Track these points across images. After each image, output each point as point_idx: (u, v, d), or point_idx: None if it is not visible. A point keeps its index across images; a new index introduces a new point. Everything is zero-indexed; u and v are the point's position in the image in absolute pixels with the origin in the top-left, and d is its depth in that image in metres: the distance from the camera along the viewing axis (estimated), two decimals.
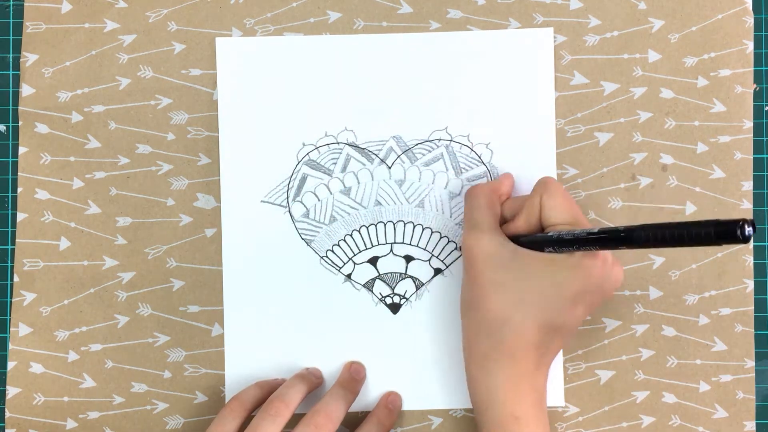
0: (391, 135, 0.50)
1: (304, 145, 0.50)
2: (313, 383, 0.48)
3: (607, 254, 0.42)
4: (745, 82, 0.50)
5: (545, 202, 0.44)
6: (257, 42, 0.50)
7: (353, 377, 0.49)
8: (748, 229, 0.32)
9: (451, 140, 0.50)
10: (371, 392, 0.49)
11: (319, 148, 0.50)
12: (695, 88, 0.50)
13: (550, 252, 0.42)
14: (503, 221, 0.47)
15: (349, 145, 0.50)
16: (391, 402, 0.49)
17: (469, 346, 0.44)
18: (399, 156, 0.50)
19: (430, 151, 0.50)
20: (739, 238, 0.32)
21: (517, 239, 0.44)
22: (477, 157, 0.50)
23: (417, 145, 0.50)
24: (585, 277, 0.42)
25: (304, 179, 0.50)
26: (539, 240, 0.43)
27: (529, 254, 0.43)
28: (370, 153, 0.50)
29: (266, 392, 0.47)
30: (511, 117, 0.50)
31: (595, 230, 0.40)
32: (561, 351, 0.49)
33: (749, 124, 0.50)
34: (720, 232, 0.33)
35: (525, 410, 0.42)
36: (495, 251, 0.43)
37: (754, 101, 0.50)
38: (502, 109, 0.50)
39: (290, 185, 0.50)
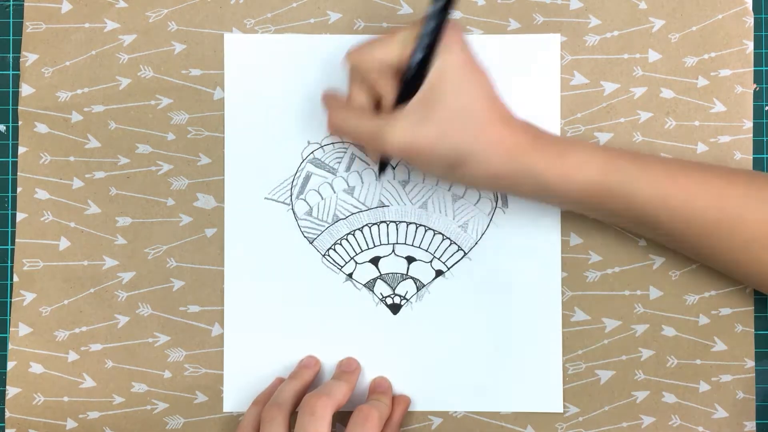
0: None
1: (309, 143, 0.50)
2: (306, 379, 0.47)
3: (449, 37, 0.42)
4: (745, 82, 0.50)
5: (376, 58, 0.43)
6: (265, 39, 0.50)
7: (345, 369, 0.48)
8: None
9: None
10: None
11: (324, 147, 0.50)
12: (695, 88, 0.50)
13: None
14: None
15: (354, 144, 0.50)
16: (378, 385, 0.49)
17: (489, 172, 0.43)
18: None
19: None
20: None
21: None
22: None
23: None
24: (461, 44, 0.43)
25: (308, 177, 0.50)
26: (408, 82, 0.43)
27: (424, 90, 0.42)
28: None
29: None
30: None
31: (431, 24, 0.41)
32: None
33: (749, 124, 0.50)
34: None
35: (554, 147, 0.43)
36: (411, 120, 0.42)
37: (754, 101, 0.50)
38: None
39: (294, 183, 0.50)
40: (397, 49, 0.43)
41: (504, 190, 0.44)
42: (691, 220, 0.43)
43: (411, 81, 0.43)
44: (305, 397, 0.44)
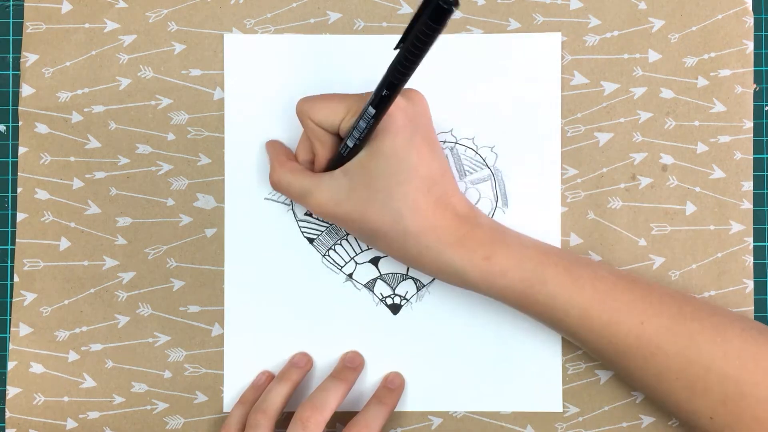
0: None
1: None
2: (295, 380, 0.47)
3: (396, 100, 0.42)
4: (745, 82, 0.50)
5: (316, 118, 0.43)
6: (265, 39, 0.50)
7: (346, 365, 0.48)
8: None
9: (456, 142, 0.50)
10: (369, 393, 0.49)
11: None
12: (695, 88, 0.50)
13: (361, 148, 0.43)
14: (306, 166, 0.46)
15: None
16: (390, 381, 0.49)
17: (406, 259, 0.44)
18: None
19: None
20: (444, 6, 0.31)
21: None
22: (482, 160, 0.50)
23: None
24: (401, 131, 0.41)
25: None
26: (343, 156, 0.43)
27: (353, 164, 0.43)
28: None
29: (251, 406, 0.47)
30: (517, 120, 0.49)
31: (370, 111, 0.40)
32: None
33: (749, 124, 0.50)
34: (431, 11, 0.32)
35: (482, 249, 0.43)
36: (335, 190, 0.43)
37: (754, 101, 0.50)
38: (508, 112, 0.50)
39: None
40: (341, 115, 0.43)
41: (427, 274, 0.45)
42: (613, 343, 0.43)
43: (344, 157, 0.43)
44: (299, 408, 0.44)
